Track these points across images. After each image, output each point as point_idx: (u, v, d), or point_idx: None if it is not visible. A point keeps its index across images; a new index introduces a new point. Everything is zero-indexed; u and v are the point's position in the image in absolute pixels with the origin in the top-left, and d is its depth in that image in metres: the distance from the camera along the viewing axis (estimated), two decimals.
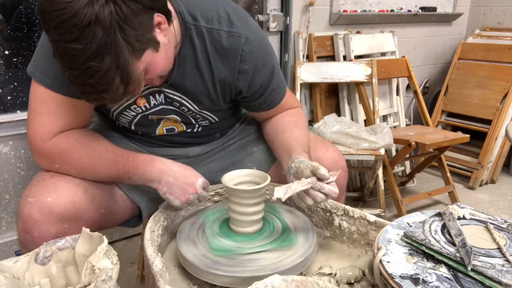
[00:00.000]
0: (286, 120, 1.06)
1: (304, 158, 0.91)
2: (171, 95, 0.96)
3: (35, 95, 0.88)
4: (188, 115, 1.02)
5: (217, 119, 1.06)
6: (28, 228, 0.82)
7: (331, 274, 0.80)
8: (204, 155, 1.14)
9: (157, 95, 0.96)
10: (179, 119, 1.02)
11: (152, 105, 0.97)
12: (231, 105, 1.08)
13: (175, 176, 0.91)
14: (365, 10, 2.38)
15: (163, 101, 0.98)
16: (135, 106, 0.96)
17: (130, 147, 1.07)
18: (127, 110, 0.97)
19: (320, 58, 2.23)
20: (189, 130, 1.07)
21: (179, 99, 0.97)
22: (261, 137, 1.15)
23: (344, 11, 2.27)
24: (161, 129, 1.04)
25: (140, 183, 0.94)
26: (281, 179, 1.04)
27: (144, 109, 0.97)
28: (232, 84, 0.97)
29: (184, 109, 1.00)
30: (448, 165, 2.33)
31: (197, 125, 1.06)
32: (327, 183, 0.83)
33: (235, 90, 0.99)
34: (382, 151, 1.80)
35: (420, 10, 2.62)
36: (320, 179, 0.83)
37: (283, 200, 0.80)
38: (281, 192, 0.80)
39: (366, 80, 2.12)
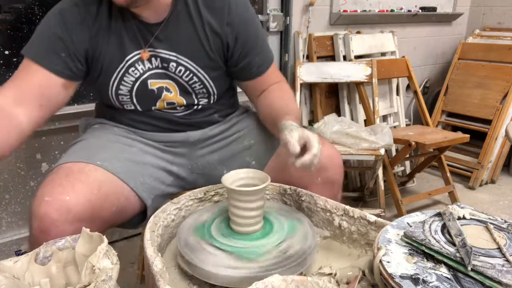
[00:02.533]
0: (273, 96, 1.10)
1: (287, 120, 0.94)
2: (166, 56, 1.02)
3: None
4: (184, 81, 1.05)
5: (214, 90, 1.09)
6: (45, 227, 0.82)
7: (331, 274, 0.80)
8: (204, 142, 1.15)
9: (153, 59, 1.02)
10: (176, 87, 1.06)
11: (147, 68, 1.02)
12: (227, 75, 1.12)
13: None
14: (365, 10, 2.38)
15: (160, 65, 1.03)
16: (133, 69, 1.01)
17: (130, 140, 1.09)
18: (126, 75, 1.01)
19: (320, 58, 2.23)
20: (189, 105, 1.10)
21: (175, 58, 1.02)
22: (258, 130, 1.18)
23: (344, 11, 2.27)
24: (161, 102, 1.07)
25: None
26: (280, 171, 1.06)
27: (141, 71, 1.02)
28: (222, 36, 1.03)
29: (180, 71, 1.03)
30: (448, 165, 2.33)
31: (194, 97, 1.09)
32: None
33: (225, 42, 1.04)
34: (382, 151, 1.80)
35: (420, 10, 2.62)
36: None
37: None
38: None
39: (366, 80, 2.12)
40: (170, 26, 1.00)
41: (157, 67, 1.03)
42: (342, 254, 0.92)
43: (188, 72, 1.04)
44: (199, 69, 1.04)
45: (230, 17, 1.02)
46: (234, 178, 0.91)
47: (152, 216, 0.88)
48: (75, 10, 0.97)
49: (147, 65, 1.02)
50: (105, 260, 0.65)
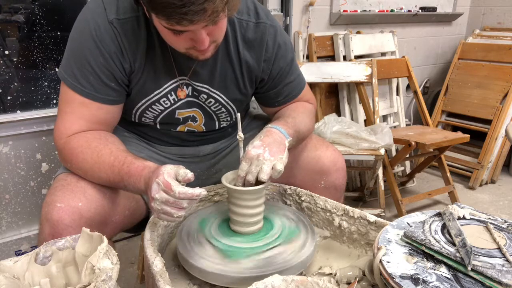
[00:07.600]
0: (286, 107, 1.10)
1: (275, 124, 0.94)
2: (199, 87, 0.99)
3: (63, 96, 0.93)
4: (212, 111, 1.04)
5: (236, 112, 1.08)
6: (58, 233, 0.81)
7: (331, 274, 0.80)
8: (213, 153, 1.16)
9: (185, 87, 0.99)
10: (202, 115, 1.05)
11: (178, 98, 1.00)
12: (251, 96, 1.11)
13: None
14: (365, 10, 2.38)
15: (190, 94, 1.00)
16: (165, 99, 0.99)
17: (140, 147, 1.08)
18: (156, 104, 0.99)
19: (320, 58, 2.23)
20: (209, 131, 1.09)
21: (207, 90, 1.00)
22: None
23: (344, 11, 2.27)
24: (183, 127, 1.07)
25: (135, 193, 0.91)
26: (283, 174, 1.05)
27: (172, 102, 1.00)
28: (258, 72, 1.02)
29: (210, 102, 1.02)
30: (448, 165, 2.33)
31: (217, 124, 1.09)
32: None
33: (259, 77, 1.03)
34: (382, 151, 1.80)
35: (420, 10, 2.63)
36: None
37: None
38: None
39: (366, 80, 2.12)
40: (208, 61, 0.96)
41: (187, 95, 1.01)
42: (342, 254, 0.92)
43: (217, 104, 1.04)
44: (229, 101, 1.04)
45: (267, 54, 1.01)
46: (234, 178, 0.91)
47: (152, 216, 0.88)
48: (112, 33, 0.89)
49: (180, 95, 1.00)
50: (105, 260, 0.65)
